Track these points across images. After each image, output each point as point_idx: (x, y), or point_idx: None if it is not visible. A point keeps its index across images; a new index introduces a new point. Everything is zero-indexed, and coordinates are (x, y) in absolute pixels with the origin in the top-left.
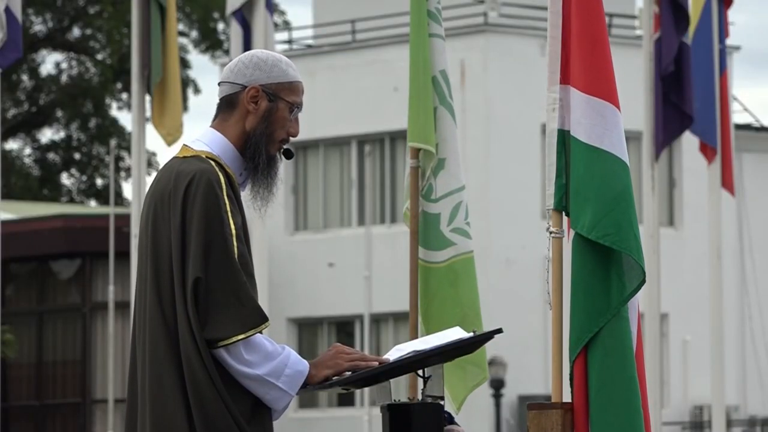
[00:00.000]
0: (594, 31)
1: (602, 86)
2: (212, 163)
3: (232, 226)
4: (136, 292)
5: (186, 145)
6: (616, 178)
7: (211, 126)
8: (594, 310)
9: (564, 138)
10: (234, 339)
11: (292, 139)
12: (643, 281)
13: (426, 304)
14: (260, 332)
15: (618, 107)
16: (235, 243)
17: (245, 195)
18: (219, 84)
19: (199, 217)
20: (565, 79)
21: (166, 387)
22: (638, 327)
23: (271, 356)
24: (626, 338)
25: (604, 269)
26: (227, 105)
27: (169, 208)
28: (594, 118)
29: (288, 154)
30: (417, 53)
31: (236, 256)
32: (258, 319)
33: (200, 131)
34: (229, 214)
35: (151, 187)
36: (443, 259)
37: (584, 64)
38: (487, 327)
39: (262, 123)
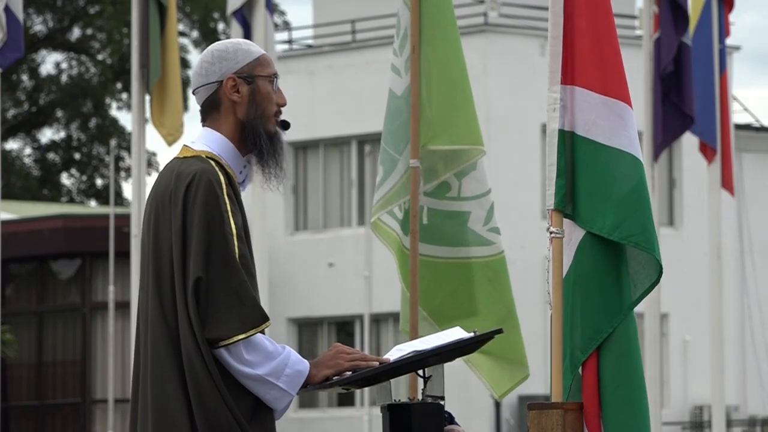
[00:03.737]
0: (605, 31)
1: (617, 87)
2: (212, 162)
3: (233, 226)
4: (138, 294)
5: (186, 146)
6: (636, 178)
7: (204, 126)
8: (607, 310)
9: (565, 138)
10: (235, 339)
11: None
12: (657, 281)
13: (435, 300)
14: (261, 332)
15: (631, 106)
16: (236, 243)
17: (250, 187)
18: (193, 93)
19: (199, 217)
20: (567, 79)
21: (167, 387)
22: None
23: (271, 356)
24: (636, 338)
25: (616, 270)
26: (211, 107)
27: (170, 208)
28: (613, 120)
29: (285, 125)
30: (448, 53)
31: (237, 255)
32: (259, 318)
33: (198, 131)
34: (230, 213)
35: (152, 188)
36: (480, 255)
37: (598, 65)
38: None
39: (252, 106)
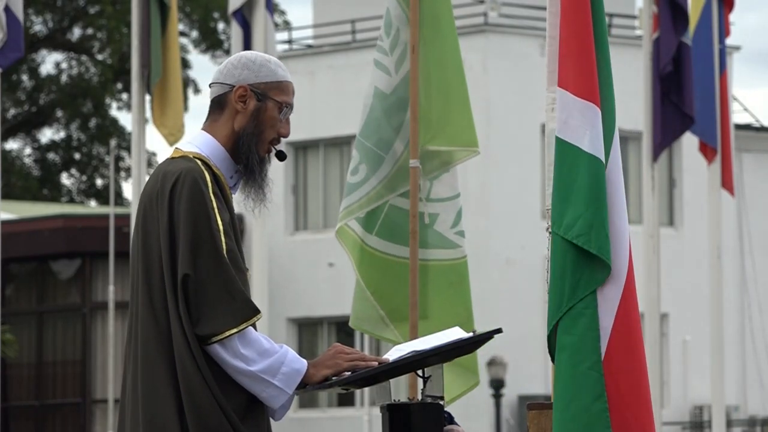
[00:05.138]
0: (581, 30)
1: (586, 86)
2: (198, 162)
3: (219, 222)
4: (130, 294)
5: (177, 148)
6: (592, 178)
7: (201, 128)
8: (553, 308)
9: None
10: (227, 333)
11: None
12: (602, 281)
13: (394, 300)
14: (253, 325)
15: (598, 106)
16: (223, 239)
17: (238, 197)
18: (210, 86)
19: (185, 215)
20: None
21: (158, 385)
22: (620, 320)
23: (267, 353)
24: (585, 334)
25: (563, 267)
26: (217, 106)
27: (157, 207)
28: (578, 119)
29: (280, 156)
30: (445, 53)
31: (225, 251)
32: (249, 311)
33: (193, 134)
34: (216, 210)
35: (143, 189)
36: (444, 258)
37: (569, 64)
38: (487, 327)
39: (251, 123)
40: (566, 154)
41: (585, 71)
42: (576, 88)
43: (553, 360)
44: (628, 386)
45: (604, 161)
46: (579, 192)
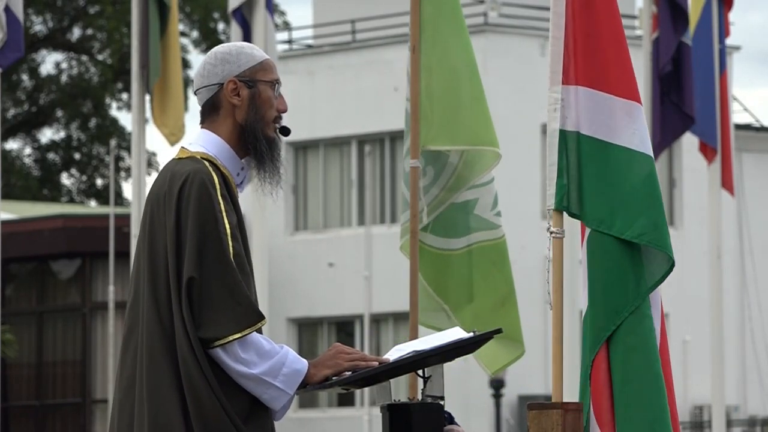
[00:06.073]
0: (612, 30)
1: (625, 86)
2: (206, 163)
3: (227, 225)
4: (130, 295)
5: (183, 147)
6: (646, 176)
7: (202, 127)
8: (611, 308)
9: (567, 138)
10: (230, 338)
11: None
12: (665, 276)
13: (451, 293)
14: (256, 330)
15: (640, 103)
16: (230, 242)
17: (251, 187)
18: (195, 93)
19: (193, 217)
20: (570, 79)
21: (162, 388)
22: (662, 325)
23: (268, 355)
24: (650, 335)
25: (620, 267)
26: (211, 109)
27: (164, 209)
28: (621, 119)
29: (284, 132)
30: (449, 53)
31: (231, 255)
32: (254, 317)
33: (196, 133)
34: (224, 213)
35: (149, 190)
36: (487, 239)
37: (604, 65)
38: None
39: (251, 110)
40: (610, 154)
41: (624, 70)
42: (616, 88)
43: (590, 363)
44: (669, 386)
45: (653, 157)
46: (634, 191)
